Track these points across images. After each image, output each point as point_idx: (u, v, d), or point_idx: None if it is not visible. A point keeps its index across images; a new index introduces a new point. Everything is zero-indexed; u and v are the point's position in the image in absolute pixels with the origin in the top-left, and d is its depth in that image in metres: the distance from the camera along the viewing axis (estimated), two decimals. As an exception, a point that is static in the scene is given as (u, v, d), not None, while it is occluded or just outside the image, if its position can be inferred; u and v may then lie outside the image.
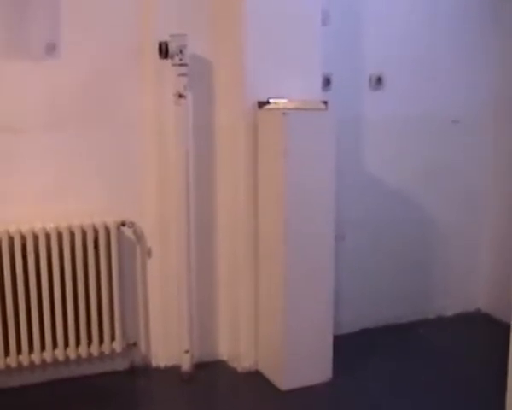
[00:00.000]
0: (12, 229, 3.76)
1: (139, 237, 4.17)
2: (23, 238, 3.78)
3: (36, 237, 3.80)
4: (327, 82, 4.43)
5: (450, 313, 5.08)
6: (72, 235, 3.88)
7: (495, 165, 4.97)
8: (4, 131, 3.82)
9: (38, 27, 3.83)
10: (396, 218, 4.84)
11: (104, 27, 3.95)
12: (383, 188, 4.80)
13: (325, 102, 4.00)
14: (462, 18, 4.83)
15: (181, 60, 3.88)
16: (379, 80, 4.68)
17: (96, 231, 3.92)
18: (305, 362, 3.99)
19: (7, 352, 3.86)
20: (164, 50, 3.89)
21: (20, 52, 3.81)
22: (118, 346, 4.07)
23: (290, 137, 3.78)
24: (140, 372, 4.25)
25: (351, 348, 4.43)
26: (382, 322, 4.83)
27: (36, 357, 3.90)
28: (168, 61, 3.91)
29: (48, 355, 3.93)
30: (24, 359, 3.88)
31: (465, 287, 5.10)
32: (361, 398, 3.92)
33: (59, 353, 3.95)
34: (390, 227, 4.83)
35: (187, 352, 4.13)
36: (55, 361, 3.97)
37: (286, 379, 3.98)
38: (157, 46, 3.91)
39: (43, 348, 3.92)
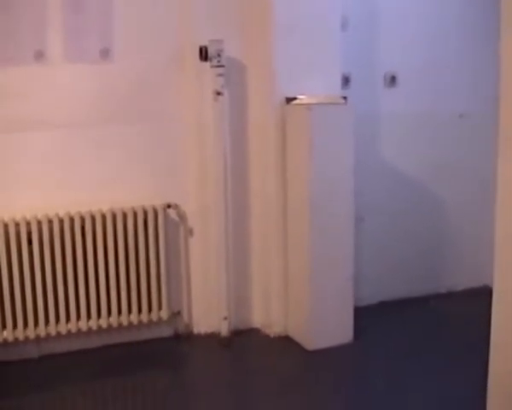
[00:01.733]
0: (73, 211, 4.27)
1: (182, 218, 4.65)
2: (82, 220, 4.28)
3: (93, 218, 4.30)
4: (346, 81, 4.85)
5: (459, 288, 5.46)
6: (124, 216, 4.37)
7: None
8: (64, 126, 4.32)
9: (94, 35, 4.33)
10: (410, 202, 5.24)
11: (151, 34, 4.43)
12: (398, 175, 5.20)
13: (345, 98, 4.46)
14: (468, 19, 5.18)
15: (218, 62, 4.35)
16: (393, 79, 5.10)
17: (145, 213, 4.42)
18: (328, 326, 4.47)
19: (68, 319, 4.36)
20: (204, 54, 4.37)
21: (79, 56, 4.31)
22: (164, 314, 4.55)
23: (314, 129, 4.26)
24: (183, 339, 4.73)
25: (370, 317, 4.87)
26: (399, 295, 5.22)
27: (93, 323, 4.39)
28: (207, 64, 4.38)
29: (103, 322, 4.42)
30: (83, 325, 4.38)
31: (473, 265, 5.40)
32: (377, 357, 4.41)
33: (113, 320, 4.44)
34: (405, 210, 5.22)
35: (225, 319, 4.61)
36: (110, 327, 4.45)
37: (312, 341, 4.46)
38: (198, 50, 4.40)
39: (99, 315, 4.41)
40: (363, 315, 4.73)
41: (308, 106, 4.30)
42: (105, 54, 4.37)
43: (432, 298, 5.32)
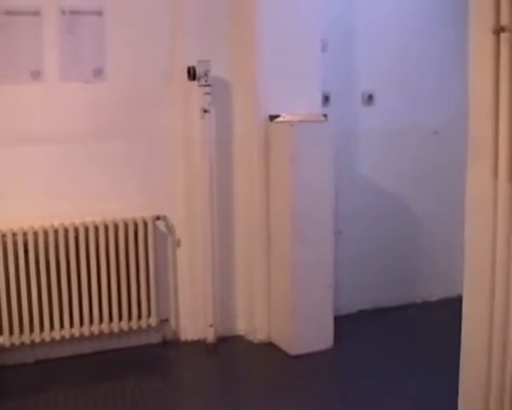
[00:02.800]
0: (67, 222, 4.48)
1: (170, 229, 4.87)
2: (76, 230, 4.50)
3: (86, 229, 4.52)
4: (326, 99, 5.08)
5: (434, 298, 5.70)
6: (116, 227, 4.59)
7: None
8: (59, 141, 4.54)
9: (88, 55, 4.56)
10: (386, 214, 5.47)
11: (141, 55, 4.67)
12: (375, 189, 5.44)
13: (325, 115, 4.70)
14: (442, 41, 5.41)
15: (206, 81, 4.58)
16: (370, 97, 5.35)
17: (135, 224, 4.63)
18: (310, 332, 4.69)
19: (62, 325, 4.54)
20: (192, 73, 4.59)
21: (74, 75, 4.53)
22: (153, 321, 4.75)
23: (296, 144, 4.51)
24: (171, 345, 4.93)
25: (349, 325, 5.09)
26: (376, 305, 5.46)
27: (85, 330, 4.59)
28: (195, 83, 4.61)
29: (95, 328, 4.62)
30: (76, 331, 4.57)
31: (447, 275, 5.57)
32: (356, 362, 4.62)
33: (105, 327, 4.64)
34: (381, 223, 5.45)
35: (211, 326, 4.82)
36: (101, 334, 4.65)
37: (294, 347, 4.68)
38: (186, 70, 4.62)
39: (91, 322, 4.60)
40: (342, 323, 4.97)
41: (291, 123, 4.55)
42: (98, 73, 4.60)
43: (408, 307, 5.54)
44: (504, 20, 2.65)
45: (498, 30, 2.68)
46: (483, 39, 2.77)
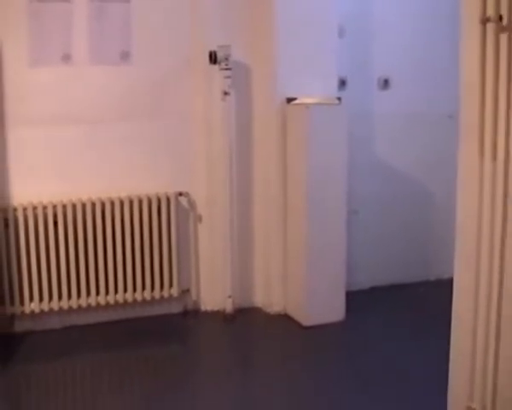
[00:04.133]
0: (94, 197, 4.76)
1: (192, 205, 5.13)
2: (102, 205, 4.78)
3: (112, 204, 4.80)
4: (343, 83, 5.30)
5: (446, 276, 5.90)
6: (140, 202, 4.86)
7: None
8: (88, 121, 4.82)
9: (115, 40, 4.82)
10: (401, 195, 5.67)
11: (166, 40, 4.92)
12: (390, 171, 5.63)
13: (339, 99, 4.92)
14: (457, 24, 5.63)
15: (226, 65, 4.82)
16: (386, 82, 5.54)
17: (159, 200, 4.90)
18: (323, 305, 4.94)
19: (88, 293, 4.85)
20: (213, 58, 4.83)
21: (102, 59, 4.80)
22: (175, 291, 5.03)
23: (311, 126, 4.73)
24: (191, 315, 5.21)
25: (361, 300, 5.33)
26: (389, 282, 5.65)
27: (111, 298, 4.88)
28: (216, 66, 4.86)
29: (119, 297, 4.90)
30: (101, 299, 4.86)
31: None
32: (365, 333, 4.87)
33: (128, 296, 4.92)
34: (396, 203, 5.66)
35: (230, 297, 5.09)
36: (125, 303, 4.93)
37: (308, 318, 4.93)
38: (207, 54, 4.86)
39: (116, 291, 4.89)
40: (355, 298, 5.20)
41: (306, 105, 4.77)
42: (125, 57, 4.86)
43: (421, 285, 5.73)
44: (490, 11, 2.86)
45: (485, 20, 2.89)
46: (471, 29, 2.99)
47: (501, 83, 2.88)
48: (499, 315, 2.99)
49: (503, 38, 2.85)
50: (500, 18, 2.84)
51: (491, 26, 2.88)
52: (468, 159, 3.11)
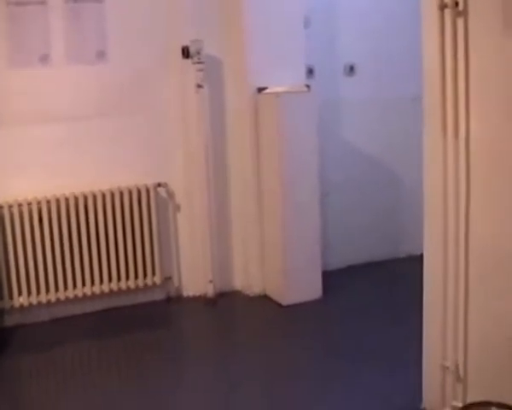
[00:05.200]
0: (77, 191, 4.93)
1: (171, 195, 5.31)
2: (85, 198, 4.95)
3: (94, 197, 4.97)
4: (310, 71, 5.48)
5: (417, 252, 6.11)
6: (121, 194, 5.04)
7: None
8: (68, 119, 4.97)
9: (91, 39, 4.99)
10: (371, 177, 5.88)
11: (140, 37, 5.08)
12: (359, 153, 5.84)
13: (308, 86, 5.12)
14: (417, 11, 5.82)
15: (199, 59, 5.01)
16: (352, 68, 5.73)
17: (139, 191, 5.09)
18: (300, 284, 5.16)
19: (75, 285, 5.02)
20: (186, 52, 5.02)
21: (78, 58, 4.97)
22: (157, 279, 5.21)
23: (281, 114, 4.94)
24: (174, 301, 5.40)
25: (338, 278, 5.55)
26: (364, 260, 5.87)
27: (96, 288, 5.06)
28: (189, 61, 5.04)
29: (105, 287, 5.08)
30: (87, 290, 5.04)
31: None
32: (342, 309, 5.10)
33: (113, 285, 5.10)
34: (366, 185, 5.87)
35: (211, 282, 5.28)
36: (111, 292, 5.11)
37: (286, 297, 5.15)
38: (180, 49, 5.05)
39: (101, 281, 5.06)
40: (332, 277, 5.46)
41: (276, 94, 4.97)
42: (101, 55, 5.03)
43: (393, 262, 5.95)
44: (447, -2, 3.09)
45: (442, 6, 3.11)
46: (431, 14, 3.21)
47: (459, 64, 3.11)
48: (467, 281, 3.22)
49: (460, 22, 3.07)
50: (456, 3, 3.06)
51: (448, 12, 3.10)
52: (432, 138, 3.34)
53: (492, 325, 3.11)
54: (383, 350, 4.37)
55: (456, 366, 3.32)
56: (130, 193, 5.07)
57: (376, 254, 5.95)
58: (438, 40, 3.18)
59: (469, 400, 3.16)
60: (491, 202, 3.03)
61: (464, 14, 3.05)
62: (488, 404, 2.86)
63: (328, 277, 5.37)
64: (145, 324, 5.06)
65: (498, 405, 2.81)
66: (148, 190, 5.12)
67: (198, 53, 5.00)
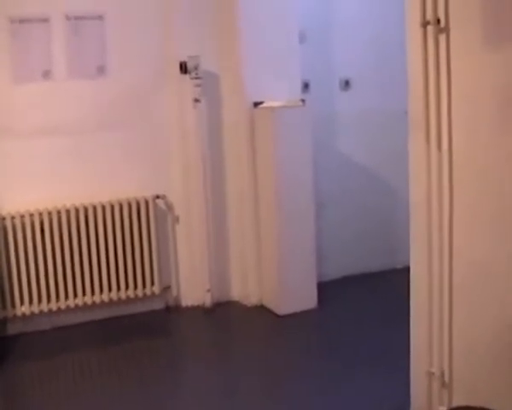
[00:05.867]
0: (77, 203, 5.06)
1: (169, 207, 5.43)
2: (85, 210, 5.08)
3: (94, 209, 5.10)
4: (306, 86, 5.61)
5: (413, 263, 6.23)
6: (120, 206, 5.16)
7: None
8: (69, 132, 5.11)
9: (92, 55, 5.13)
10: (366, 188, 5.97)
11: (139, 53, 5.23)
12: (355, 165, 5.94)
13: (303, 100, 5.24)
14: None
15: (196, 74, 5.14)
16: (347, 83, 5.86)
17: (138, 203, 5.21)
18: (296, 295, 5.26)
19: (75, 294, 5.13)
20: (184, 68, 5.16)
21: (80, 73, 5.11)
22: (156, 289, 5.33)
23: (277, 127, 5.07)
24: (173, 310, 5.51)
25: (333, 289, 5.65)
26: (360, 271, 5.95)
27: (96, 298, 5.17)
28: (187, 76, 5.17)
29: (105, 296, 5.19)
30: (88, 299, 5.15)
31: None
32: (337, 318, 5.20)
33: (113, 295, 5.21)
34: (362, 196, 5.96)
35: (208, 291, 5.40)
36: (111, 302, 5.22)
37: (282, 307, 5.25)
38: (178, 65, 5.19)
39: (101, 291, 5.18)
40: (327, 287, 5.56)
41: (272, 109, 5.10)
42: (101, 70, 5.17)
43: (389, 273, 6.04)
44: (429, 15, 3.20)
45: (425, 23, 3.23)
46: (414, 31, 3.33)
47: (442, 79, 3.22)
48: (451, 290, 3.32)
49: (442, 38, 3.19)
50: (438, 21, 3.18)
51: (430, 29, 3.22)
52: (417, 149, 3.45)
53: (476, 333, 3.20)
54: (376, 357, 4.48)
55: (442, 372, 3.41)
56: (130, 205, 5.19)
57: (372, 265, 6.02)
58: (421, 56, 3.28)
59: (454, 405, 3.25)
60: (474, 214, 3.13)
61: (446, 30, 3.16)
62: (469, 409, 2.94)
63: (324, 287, 5.48)
64: (144, 333, 5.17)
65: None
66: (147, 202, 5.23)
67: (195, 68, 5.13)
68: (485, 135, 3.03)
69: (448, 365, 3.39)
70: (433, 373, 3.46)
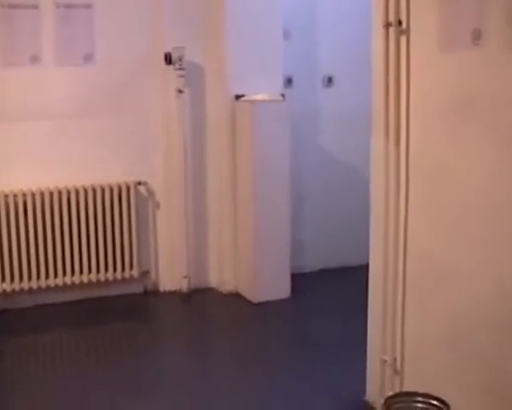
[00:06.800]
0: (60, 186, 5.21)
1: (151, 193, 5.58)
2: (68, 193, 5.22)
3: (77, 192, 5.24)
4: (289, 82, 5.76)
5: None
6: (102, 191, 5.30)
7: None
8: (55, 117, 5.25)
9: (80, 43, 5.27)
10: (346, 182, 6.06)
11: (125, 42, 5.36)
12: (335, 161, 6.06)
13: (283, 95, 5.38)
14: None
15: (180, 65, 5.27)
16: (330, 80, 5.99)
17: (119, 188, 5.35)
18: (270, 284, 5.41)
19: (56, 274, 5.28)
20: (168, 59, 5.27)
21: (67, 60, 5.25)
22: (135, 272, 5.47)
23: (257, 121, 5.21)
24: (151, 294, 5.67)
25: (309, 280, 5.81)
26: (337, 264, 6.08)
27: (76, 279, 5.32)
28: (171, 67, 5.30)
29: (84, 278, 5.34)
30: (68, 280, 5.30)
31: None
32: (308, 308, 5.37)
33: (93, 276, 5.36)
34: (340, 190, 6.07)
35: (185, 277, 5.54)
36: (90, 283, 5.37)
37: (256, 296, 5.41)
38: (163, 56, 5.31)
39: (81, 272, 5.33)
40: (304, 279, 5.73)
41: (252, 102, 5.24)
42: (88, 58, 5.31)
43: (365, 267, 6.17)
44: (391, 17, 3.35)
45: (387, 24, 3.38)
46: (377, 32, 3.48)
47: (402, 78, 3.38)
48: (404, 282, 3.48)
49: (403, 39, 3.34)
50: (399, 23, 3.32)
51: (392, 30, 3.36)
52: (377, 144, 3.60)
53: (427, 322, 3.36)
54: (341, 346, 4.63)
55: (394, 360, 3.56)
56: (112, 190, 5.34)
57: (350, 259, 6.06)
58: (383, 55, 3.44)
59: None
60: (428, 209, 3.28)
61: (407, 32, 3.31)
62: (413, 394, 3.08)
63: (301, 278, 5.63)
64: (122, 315, 5.33)
65: (424, 395, 3.01)
66: (128, 188, 5.38)
67: (180, 59, 5.26)
68: (441, 133, 3.17)
69: (400, 352, 3.54)
70: (385, 361, 3.62)
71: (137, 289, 5.63)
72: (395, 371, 3.58)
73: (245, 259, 5.52)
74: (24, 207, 5.14)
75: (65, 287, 5.35)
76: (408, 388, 3.43)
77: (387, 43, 3.41)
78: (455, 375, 3.14)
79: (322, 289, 5.73)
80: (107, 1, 5.32)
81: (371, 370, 3.80)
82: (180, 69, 5.29)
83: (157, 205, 5.63)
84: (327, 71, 6.00)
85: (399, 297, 3.51)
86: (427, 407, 2.96)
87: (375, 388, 3.73)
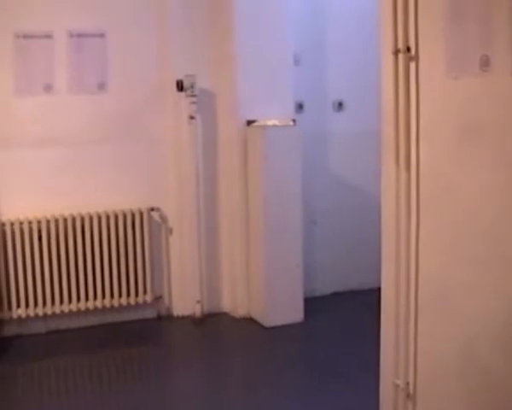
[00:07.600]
0: (74, 212, 5.26)
1: (164, 219, 5.62)
2: (82, 219, 5.28)
3: (91, 219, 5.29)
4: (300, 107, 5.81)
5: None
6: (116, 217, 5.36)
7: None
8: (69, 144, 5.32)
9: (93, 71, 5.35)
10: (356, 205, 6.09)
11: (138, 71, 5.44)
12: (347, 184, 6.11)
13: (294, 120, 5.44)
14: None
15: (192, 92, 5.34)
16: (340, 104, 6.05)
17: (133, 215, 5.40)
18: (283, 308, 5.43)
19: (70, 300, 5.31)
20: (180, 86, 5.34)
21: (80, 88, 5.33)
22: (148, 298, 5.51)
23: (268, 146, 5.26)
24: (164, 319, 5.69)
25: (321, 304, 5.83)
26: (349, 288, 6.10)
27: (90, 304, 5.36)
28: (183, 94, 5.37)
29: (98, 303, 5.38)
30: (82, 305, 5.33)
31: None
32: (322, 332, 5.39)
33: (106, 301, 5.40)
34: (354, 214, 6.09)
35: (198, 302, 5.57)
36: (104, 308, 5.41)
37: (269, 320, 5.43)
38: (175, 83, 5.37)
39: (95, 298, 5.37)
40: (316, 303, 5.74)
41: (263, 127, 5.30)
42: (101, 86, 5.38)
43: (378, 290, 6.17)
44: (400, 44, 3.39)
45: (396, 51, 3.42)
46: (386, 58, 3.51)
47: (412, 104, 3.39)
48: (416, 304, 3.47)
49: (412, 65, 3.37)
50: (408, 49, 3.36)
51: (401, 56, 3.40)
52: (388, 170, 3.62)
53: (439, 345, 3.35)
54: (354, 370, 4.65)
55: (407, 384, 3.55)
56: (125, 216, 5.39)
57: (362, 283, 6.09)
58: (392, 81, 3.46)
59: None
60: (439, 232, 3.28)
61: (416, 58, 3.33)
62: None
63: (313, 302, 5.65)
64: (136, 340, 5.36)
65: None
66: (141, 214, 5.43)
67: (191, 87, 5.33)
68: (450, 157, 3.18)
69: (413, 377, 3.53)
70: (398, 385, 3.62)
71: (151, 314, 5.66)
72: (408, 395, 3.57)
73: (257, 283, 5.55)
74: (38, 233, 5.19)
75: (79, 312, 5.38)
76: (421, 412, 3.44)
77: (397, 69, 3.43)
78: (468, 399, 3.14)
79: (334, 313, 5.75)
80: (119, 30, 5.39)
81: (384, 394, 3.79)
82: (192, 96, 5.36)
83: (170, 231, 5.67)
84: (337, 96, 6.06)
85: (412, 320, 3.50)
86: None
87: (388, 412, 3.73)
